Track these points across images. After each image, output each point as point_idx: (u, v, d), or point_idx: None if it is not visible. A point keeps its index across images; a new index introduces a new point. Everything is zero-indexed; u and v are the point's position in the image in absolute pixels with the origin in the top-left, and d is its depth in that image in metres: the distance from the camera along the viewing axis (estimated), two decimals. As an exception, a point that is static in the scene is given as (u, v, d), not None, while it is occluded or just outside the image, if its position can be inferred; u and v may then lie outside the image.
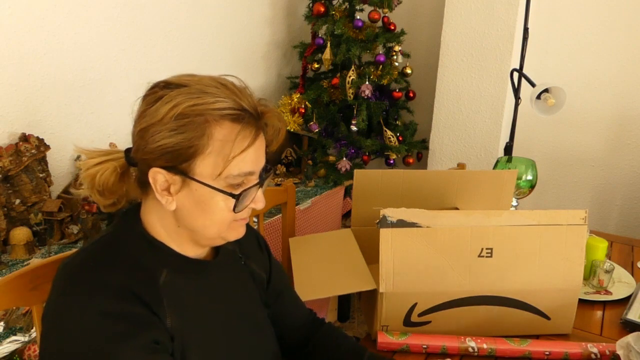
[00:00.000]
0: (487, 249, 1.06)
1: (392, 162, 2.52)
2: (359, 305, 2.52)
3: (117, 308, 0.68)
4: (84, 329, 0.66)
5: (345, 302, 2.43)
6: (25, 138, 1.57)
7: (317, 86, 2.45)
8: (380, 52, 2.33)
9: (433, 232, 1.05)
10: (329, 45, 2.35)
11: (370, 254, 1.24)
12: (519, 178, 1.61)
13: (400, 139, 2.46)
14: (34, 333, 1.15)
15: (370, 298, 1.17)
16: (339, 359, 0.98)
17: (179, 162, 0.71)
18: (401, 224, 1.04)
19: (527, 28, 1.75)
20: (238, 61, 2.47)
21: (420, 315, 1.09)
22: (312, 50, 2.46)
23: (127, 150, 0.78)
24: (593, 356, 1.04)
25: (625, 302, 1.26)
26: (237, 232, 0.80)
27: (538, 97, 1.61)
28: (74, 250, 0.81)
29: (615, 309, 1.25)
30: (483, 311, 1.09)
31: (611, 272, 1.33)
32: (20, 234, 1.47)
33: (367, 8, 2.31)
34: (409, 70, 2.45)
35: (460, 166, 2.14)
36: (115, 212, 0.83)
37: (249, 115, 0.73)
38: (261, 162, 0.77)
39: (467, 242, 1.05)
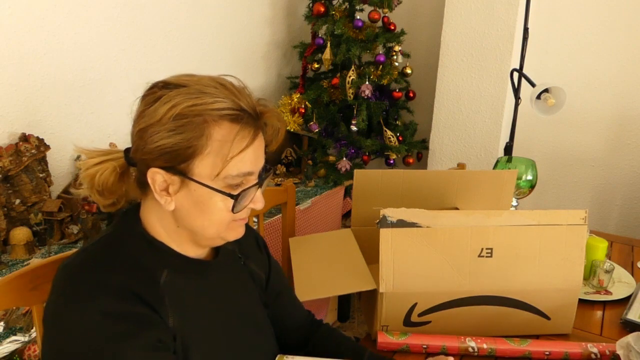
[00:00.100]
0: (487, 249, 1.06)
1: (392, 162, 2.52)
2: (359, 305, 2.52)
3: (118, 308, 0.68)
4: (86, 329, 0.66)
5: (345, 302, 2.43)
6: (25, 138, 1.57)
7: (317, 86, 2.45)
8: (380, 52, 2.33)
9: (433, 232, 1.05)
10: (329, 45, 2.35)
11: (370, 254, 1.24)
12: (519, 178, 1.61)
13: (400, 139, 2.45)
14: (34, 333, 1.15)
15: (370, 298, 1.17)
16: (340, 359, 0.98)
17: (178, 163, 0.71)
18: (401, 224, 1.04)
19: (527, 28, 1.75)
20: (238, 61, 2.47)
21: (420, 315, 1.09)
22: (312, 50, 2.46)
23: (127, 150, 0.78)
24: (593, 356, 1.04)
25: (625, 302, 1.26)
26: (236, 232, 0.80)
27: (538, 97, 1.61)
28: (74, 250, 0.81)
29: (615, 309, 1.25)
30: (483, 311, 1.09)
31: (611, 272, 1.33)
32: (20, 234, 1.47)
33: (367, 8, 2.31)
34: (409, 70, 2.45)
35: (460, 166, 2.14)
36: (115, 212, 0.83)
37: (248, 116, 0.72)
38: (260, 162, 0.77)
39: (467, 242, 1.05)
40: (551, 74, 2.36)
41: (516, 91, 1.76)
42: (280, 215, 1.63)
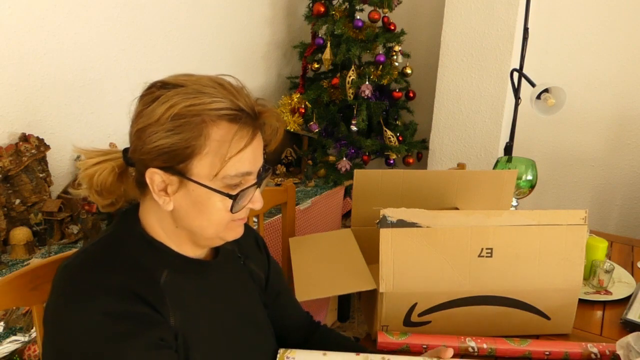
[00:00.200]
0: (487, 249, 1.06)
1: (392, 162, 2.52)
2: (359, 305, 2.52)
3: (119, 308, 0.68)
4: (87, 330, 0.66)
5: (345, 302, 2.43)
6: (25, 138, 1.57)
7: (317, 86, 2.45)
8: (380, 52, 2.33)
9: (433, 232, 1.05)
10: (329, 45, 2.35)
11: (370, 254, 1.24)
12: (519, 178, 1.61)
13: (400, 139, 2.45)
14: (34, 333, 1.15)
15: (370, 298, 1.17)
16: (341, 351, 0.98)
17: (176, 163, 0.71)
18: (401, 224, 1.04)
19: (527, 28, 1.75)
20: (238, 61, 2.47)
21: (420, 315, 1.09)
22: (312, 50, 2.46)
23: (125, 151, 0.78)
24: (593, 356, 1.04)
25: (625, 302, 1.26)
26: (236, 232, 0.80)
27: (538, 97, 1.61)
28: (74, 250, 0.81)
29: (615, 309, 1.25)
30: (483, 311, 1.09)
31: (611, 272, 1.33)
32: (20, 234, 1.46)
33: (367, 8, 2.31)
34: (409, 70, 2.44)
35: (460, 166, 2.14)
36: (115, 212, 0.83)
37: (246, 115, 0.72)
38: (259, 162, 0.77)
39: (467, 242, 1.05)
40: (551, 74, 2.36)
41: (516, 91, 1.76)
42: (280, 215, 1.63)
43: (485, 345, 1.04)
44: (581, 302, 1.18)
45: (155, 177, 0.73)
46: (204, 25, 2.23)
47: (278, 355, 0.88)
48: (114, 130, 1.90)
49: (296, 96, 2.46)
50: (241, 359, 0.85)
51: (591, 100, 2.33)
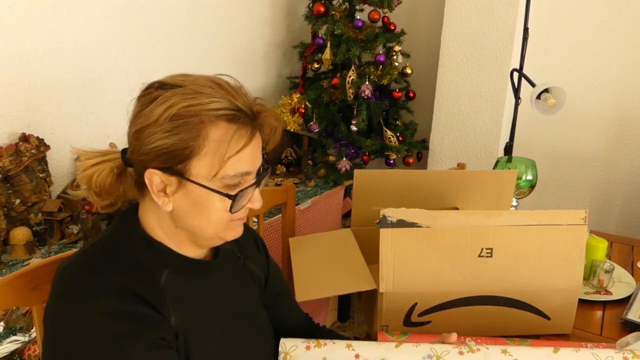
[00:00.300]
0: (487, 249, 1.06)
1: (392, 162, 2.52)
2: (359, 305, 2.52)
3: (120, 308, 0.68)
4: (88, 330, 0.66)
5: (345, 302, 2.43)
6: (25, 138, 1.57)
7: (317, 86, 2.45)
8: (380, 52, 2.33)
9: (433, 232, 1.05)
10: (329, 45, 2.34)
11: (370, 254, 1.25)
12: (519, 178, 1.61)
13: (400, 139, 2.45)
14: (34, 333, 1.15)
15: (370, 298, 1.17)
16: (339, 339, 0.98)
17: (175, 163, 0.71)
18: (401, 224, 1.04)
19: (527, 28, 1.75)
20: (238, 61, 2.47)
21: (420, 315, 1.09)
22: (312, 50, 2.46)
23: (124, 151, 0.77)
24: (593, 356, 1.03)
25: (625, 302, 1.26)
26: (235, 232, 0.80)
27: (538, 97, 1.61)
28: (74, 250, 0.81)
29: (615, 309, 1.25)
30: (483, 311, 1.09)
31: (611, 272, 1.33)
32: (20, 234, 1.46)
33: (367, 8, 2.31)
34: (409, 70, 2.44)
35: (460, 166, 2.14)
36: (115, 213, 0.83)
37: (245, 115, 0.72)
38: (258, 162, 0.77)
39: (467, 242, 1.05)
40: (551, 74, 2.36)
41: (516, 91, 1.76)
42: (280, 215, 1.63)
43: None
44: (581, 302, 1.18)
45: (154, 177, 0.73)
46: (204, 25, 2.23)
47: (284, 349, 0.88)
48: (114, 130, 1.90)
49: (296, 96, 2.46)
50: (241, 358, 0.85)
51: (591, 100, 2.33)
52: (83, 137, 1.79)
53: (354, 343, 0.87)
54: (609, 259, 1.45)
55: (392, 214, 1.04)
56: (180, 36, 2.12)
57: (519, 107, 1.78)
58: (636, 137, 2.29)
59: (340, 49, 2.29)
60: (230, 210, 0.74)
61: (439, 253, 1.05)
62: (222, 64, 2.36)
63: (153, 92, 0.72)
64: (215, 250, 0.88)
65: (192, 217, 0.75)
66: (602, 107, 2.32)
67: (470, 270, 1.06)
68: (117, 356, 0.66)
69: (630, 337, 0.99)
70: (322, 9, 2.35)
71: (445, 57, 2.39)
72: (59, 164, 1.72)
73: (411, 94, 2.55)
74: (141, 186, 0.76)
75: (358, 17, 2.30)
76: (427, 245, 1.05)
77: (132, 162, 0.76)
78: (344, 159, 2.36)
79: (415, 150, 2.55)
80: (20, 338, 1.17)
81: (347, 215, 2.46)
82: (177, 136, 0.70)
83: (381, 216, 1.04)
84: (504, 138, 2.31)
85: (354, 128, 2.37)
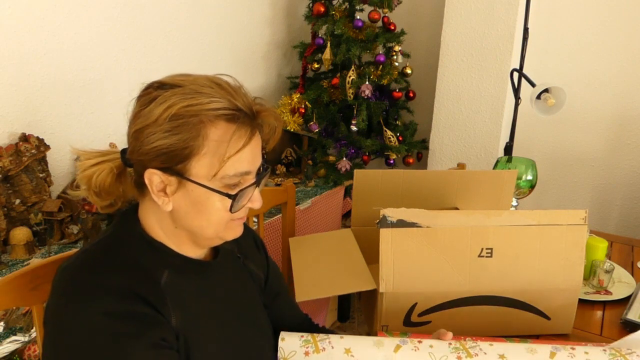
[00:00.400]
0: (487, 249, 1.06)
1: (392, 162, 2.52)
2: (359, 305, 2.52)
3: (121, 308, 0.68)
4: (89, 330, 0.66)
5: (345, 302, 2.43)
6: (25, 138, 1.57)
7: (317, 86, 2.45)
8: (380, 52, 2.33)
9: (433, 232, 1.05)
10: (329, 45, 2.35)
11: (370, 254, 1.25)
12: (519, 178, 1.61)
13: (400, 139, 2.46)
14: (34, 333, 1.15)
15: (370, 298, 1.17)
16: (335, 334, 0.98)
17: (175, 163, 0.71)
18: (401, 224, 1.04)
19: (527, 28, 1.75)
20: (238, 61, 2.48)
21: (420, 315, 1.09)
22: (312, 50, 2.46)
23: (123, 151, 0.77)
24: (593, 356, 1.03)
25: (625, 302, 1.26)
26: (235, 232, 0.80)
27: (538, 97, 1.61)
28: (74, 250, 0.81)
29: (615, 309, 1.25)
30: (483, 311, 1.09)
31: (611, 272, 1.33)
32: (20, 234, 1.46)
33: (367, 8, 2.31)
34: (409, 70, 2.45)
35: (460, 166, 2.14)
36: (115, 213, 0.83)
37: (244, 115, 0.72)
38: (257, 162, 0.77)
39: (467, 242, 1.05)
40: (551, 74, 2.36)
41: (516, 91, 1.76)
42: (280, 215, 1.63)
43: (485, 345, 1.04)
44: (581, 302, 1.18)
45: (154, 177, 0.73)
46: (204, 25, 2.23)
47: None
48: (114, 130, 1.90)
49: (296, 96, 2.46)
50: (242, 358, 0.85)
51: (591, 100, 2.33)
52: (83, 137, 1.79)
53: (353, 348, 0.87)
54: (609, 259, 1.45)
55: (392, 214, 1.04)
56: (180, 36, 2.12)
57: (519, 107, 1.78)
58: (636, 137, 2.29)
59: (340, 49, 2.29)
60: (230, 210, 0.74)
61: (439, 253, 1.05)
62: (222, 64, 2.36)
63: (152, 92, 0.72)
64: (215, 251, 0.88)
65: (192, 217, 0.75)
66: (602, 107, 2.32)
67: (470, 270, 1.06)
68: (117, 356, 0.66)
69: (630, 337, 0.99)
70: (322, 9, 2.35)
71: (445, 57, 2.39)
72: (59, 164, 1.72)
73: (411, 94, 2.55)
74: (141, 186, 0.76)
75: (358, 17, 2.30)
76: (427, 245, 1.05)
77: (131, 162, 0.76)
78: (344, 159, 2.36)
79: (415, 150, 2.55)
80: (20, 338, 1.17)
81: (347, 215, 2.46)
82: (176, 136, 0.69)
83: (381, 216, 1.04)
84: (504, 138, 2.31)
85: (354, 128, 2.37)
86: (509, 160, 1.68)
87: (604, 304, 1.28)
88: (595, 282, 1.34)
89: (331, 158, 2.42)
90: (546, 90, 1.60)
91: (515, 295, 1.09)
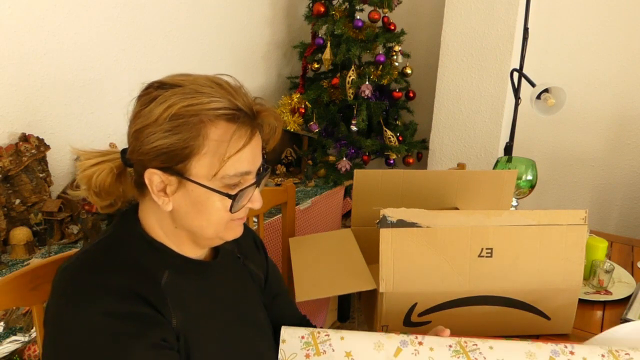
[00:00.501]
0: (487, 249, 1.06)
1: (392, 162, 2.52)
2: (359, 305, 2.52)
3: (120, 308, 0.68)
4: (89, 330, 0.66)
5: (345, 302, 2.43)
6: (25, 138, 1.57)
7: (317, 86, 2.45)
8: (380, 52, 2.33)
9: (433, 232, 1.05)
10: (329, 45, 2.35)
11: (370, 254, 1.25)
12: (519, 178, 1.61)
13: (400, 139, 2.46)
14: (34, 333, 1.15)
15: (370, 298, 1.17)
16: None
17: (175, 163, 0.71)
18: (401, 224, 1.04)
19: (527, 28, 1.75)
20: (238, 61, 2.47)
21: (420, 315, 1.09)
22: (312, 50, 2.46)
23: (123, 151, 0.77)
24: (593, 356, 1.03)
25: (625, 302, 1.26)
26: (235, 232, 0.80)
27: (538, 97, 1.61)
28: (74, 250, 0.81)
29: (615, 309, 1.25)
30: (483, 311, 1.09)
31: (611, 272, 1.33)
32: (20, 234, 1.46)
33: (367, 8, 2.31)
34: (409, 70, 2.45)
35: (460, 166, 2.14)
36: (115, 213, 0.83)
37: (244, 115, 0.72)
38: (258, 162, 0.77)
39: (467, 242, 1.05)
40: (551, 74, 2.36)
41: (516, 91, 1.76)
42: (280, 215, 1.63)
43: (485, 345, 1.04)
44: (581, 302, 1.18)
45: (154, 177, 0.72)
46: (204, 25, 2.23)
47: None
48: (114, 130, 1.90)
49: (296, 96, 2.46)
50: (242, 359, 0.85)
51: (591, 100, 2.33)
52: (83, 137, 1.79)
53: (353, 350, 0.87)
54: (609, 259, 1.45)
55: (392, 214, 1.04)
56: (180, 36, 2.12)
57: (519, 107, 1.78)
58: (636, 137, 2.29)
59: (340, 49, 2.29)
60: (230, 210, 0.74)
61: (439, 253, 1.05)
62: (222, 64, 2.36)
63: (153, 91, 0.72)
64: (215, 251, 0.87)
65: (192, 217, 0.75)
66: (602, 107, 2.32)
67: (470, 270, 1.06)
68: (117, 356, 0.66)
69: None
70: (322, 9, 2.35)
71: (445, 57, 2.39)
72: (59, 164, 1.72)
73: (411, 94, 2.55)
74: (141, 186, 0.76)
75: (358, 17, 2.30)
76: (427, 245, 1.05)
77: (131, 162, 0.76)
78: (344, 159, 2.36)
79: (415, 150, 2.55)
80: (20, 338, 1.17)
81: (347, 215, 2.46)
82: (176, 136, 0.69)
83: (381, 216, 1.04)
84: (504, 138, 2.31)
85: (354, 128, 2.37)
86: (509, 160, 1.68)
87: (604, 304, 1.28)
88: (595, 282, 1.34)
89: (331, 158, 2.42)
90: (546, 90, 1.60)
91: (515, 295, 1.09)
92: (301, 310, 1.09)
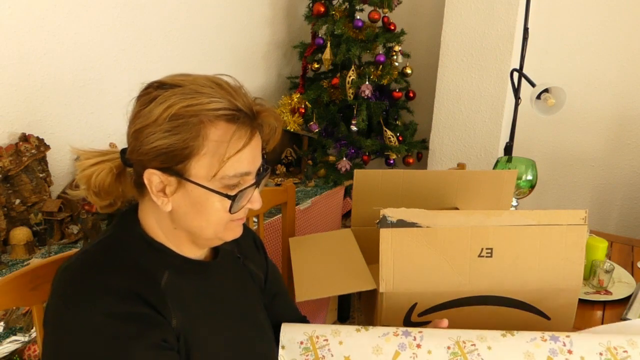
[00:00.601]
0: (487, 249, 1.06)
1: (392, 162, 2.52)
2: (359, 305, 2.52)
3: (122, 309, 0.67)
4: (89, 331, 0.66)
5: (345, 302, 2.43)
6: (25, 138, 1.57)
7: (317, 86, 2.45)
8: (380, 52, 2.33)
9: (433, 232, 1.05)
10: (329, 45, 2.35)
11: (370, 254, 1.25)
12: (519, 178, 1.61)
13: (400, 139, 2.46)
14: (34, 333, 1.15)
15: (370, 298, 1.17)
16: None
17: (174, 163, 0.71)
18: (401, 224, 1.04)
19: (527, 28, 1.75)
20: (238, 61, 2.47)
21: (420, 315, 1.09)
22: (312, 50, 2.46)
23: (123, 151, 0.77)
24: (593, 356, 1.03)
25: (625, 302, 1.26)
26: (235, 233, 0.80)
27: (538, 97, 1.61)
28: (74, 250, 0.81)
29: (615, 309, 1.25)
30: (483, 311, 1.09)
31: (611, 272, 1.33)
32: (20, 234, 1.46)
33: (367, 8, 2.31)
34: (409, 70, 2.45)
35: (460, 166, 2.14)
36: (114, 213, 0.83)
37: (244, 115, 0.72)
38: (257, 162, 0.77)
39: (467, 242, 1.05)
40: (551, 74, 2.36)
41: (516, 91, 1.76)
42: (280, 215, 1.63)
43: (485, 345, 1.04)
44: (581, 302, 1.18)
45: (153, 177, 0.72)
46: (204, 25, 2.23)
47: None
48: (113, 130, 1.90)
49: (296, 96, 2.46)
50: (242, 359, 0.85)
51: (591, 100, 2.33)
52: (83, 137, 1.79)
53: (352, 355, 0.87)
54: (609, 259, 1.45)
55: (392, 214, 1.04)
56: (180, 36, 2.12)
57: (519, 107, 1.78)
58: (636, 137, 2.29)
59: (340, 49, 2.29)
60: (230, 210, 0.74)
61: (439, 253, 1.05)
62: (222, 64, 2.36)
63: (152, 91, 0.72)
64: (215, 251, 0.87)
65: (192, 217, 0.75)
66: (602, 107, 2.32)
67: (470, 270, 1.06)
68: (117, 357, 0.65)
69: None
70: (322, 9, 2.35)
71: (445, 57, 2.39)
72: (59, 164, 1.72)
73: (411, 94, 2.55)
74: (140, 186, 0.75)
75: (358, 17, 2.30)
76: (427, 245, 1.05)
77: (131, 162, 0.75)
78: (344, 159, 2.36)
79: (415, 150, 2.55)
80: (20, 338, 1.17)
81: (347, 215, 2.46)
82: (176, 136, 0.69)
83: (381, 216, 1.04)
84: (504, 138, 2.31)
85: (354, 128, 2.37)
86: (509, 160, 1.68)
87: (604, 304, 1.28)
88: (595, 282, 1.34)
89: (331, 158, 2.42)
90: (546, 90, 1.60)
91: (515, 295, 1.09)
92: (301, 310, 1.09)
